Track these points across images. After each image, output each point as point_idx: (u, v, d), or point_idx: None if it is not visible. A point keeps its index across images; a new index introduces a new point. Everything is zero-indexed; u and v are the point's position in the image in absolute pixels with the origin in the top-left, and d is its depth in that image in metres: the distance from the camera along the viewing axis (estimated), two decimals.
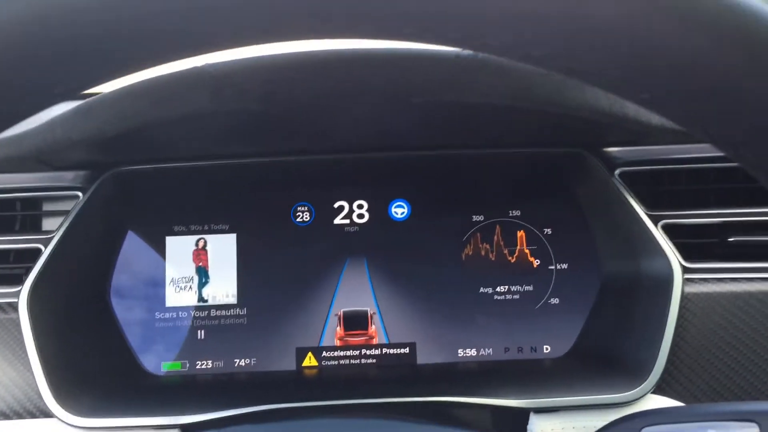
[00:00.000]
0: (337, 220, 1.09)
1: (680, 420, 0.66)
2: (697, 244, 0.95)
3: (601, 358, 1.00)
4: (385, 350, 1.06)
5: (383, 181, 1.09)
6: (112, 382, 0.98)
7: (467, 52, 0.69)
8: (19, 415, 0.90)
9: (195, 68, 0.71)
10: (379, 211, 1.09)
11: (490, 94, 0.74)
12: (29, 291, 0.90)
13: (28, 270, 0.93)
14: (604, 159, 0.99)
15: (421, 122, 0.94)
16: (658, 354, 0.89)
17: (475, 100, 0.75)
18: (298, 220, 1.09)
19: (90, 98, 0.79)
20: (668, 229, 0.94)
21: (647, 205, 0.95)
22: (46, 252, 0.93)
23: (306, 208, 1.09)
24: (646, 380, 0.88)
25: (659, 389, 0.90)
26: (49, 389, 0.87)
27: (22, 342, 0.89)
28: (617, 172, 0.98)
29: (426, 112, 0.88)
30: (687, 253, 0.93)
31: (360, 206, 1.09)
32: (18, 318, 0.90)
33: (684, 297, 0.90)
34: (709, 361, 0.91)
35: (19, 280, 0.92)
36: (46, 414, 0.89)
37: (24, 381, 0.90)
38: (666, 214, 0.95)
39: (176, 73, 0.73)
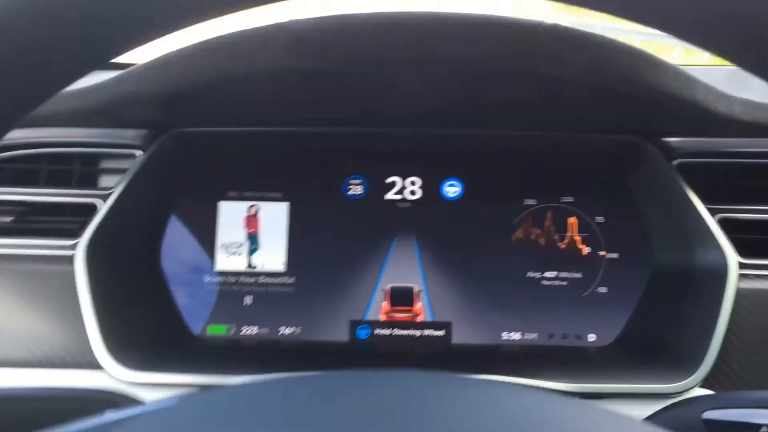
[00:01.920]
0: (389, 196, 1.09)
1: (742, 405, 0.66)
2: (753, 240, 0.94)
3: (648, 349, 0.99)
4: (428, 327, 1.06)
5: (438, 159, 1.09)
6: (159, 341, 0.99)
7: (549, 21, 0.69)
8: (67, 365, 0.91)
9: (276, 24, 0.72)
10: (432, 189, 1.09)
11: (568, 66, 0.73)
12: (86, 245, 0.91)
13: (83, 225, 0.94)
14: (663, 148, 0.98)
15: (483, 100, 0.94)
16: (709, 347, 0.88)
17: (550, 72, 0.75)
18: (350, 193, 1.09)
19: (165, 53, 0.80)
20: (725, 224, 0.93)
21: (705, 198, 0.95)
22: (104, 208, 0.94)
23: (359, 182, 1.09)
24: (695, 372, 0.88)
25: (707, 382, 0.89)
26: (101, 342, 0.88)
27: (76, 294, 0.90)
28: (675, 162, 0.97)
29: (491, 86, 0.87)
30: (743, 248, 0.92)
31: (413, 183, 1.09)
32: (73, 271, 0.91)
33: (738, 292, 0.90)
34: (761, 357, 0.90)
35: (74, 234, 0.93)
36: (95, 366, 0.90)
37: (75, 332, 0.90)
38: (723, 207, 0.94)
39: (256, 28, 0.73)
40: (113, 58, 0.36)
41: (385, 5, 0.69)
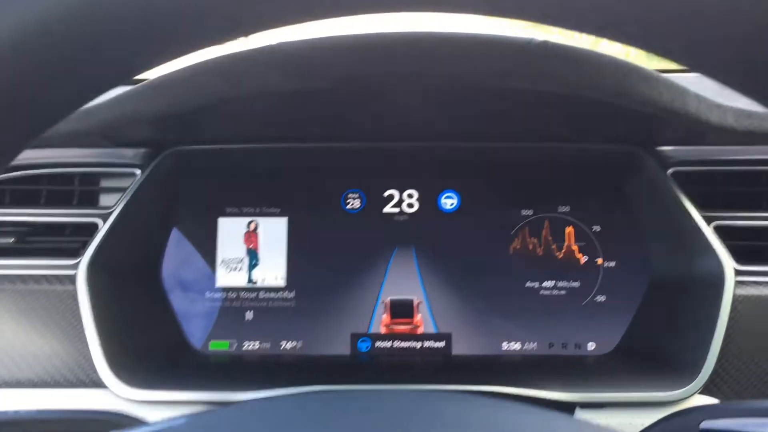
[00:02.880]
0: (387, 209, 1.10)
1: (739, 415, 0.66)
2: (749, 247, 0.94)
3: (647, 357, 1.00)
4: (429, 339, 1.07)
5: (434, 172, 1.10)
6: (162, 358, 1.00)
7: (539, 39, 0.70)
8: (72, 384, 0.92)
9: (268, 46, 0.73)
10: (429, 201, 1.10)
11: (559, 82, 0.74)
12: (87, 264, 0.92)
13: (84, 244, 0.95)
14: (657, 158, 0.99)
15: (477, 114, 0.94)
16: (707, 355, 0.88)
17: (543, 89, 0.76)
18: (348, 206, 1.10)
19: (161, 75, 0.81)
20: (721, 231, 0.94)
21: (700, 205, 0.95)
22: (104, 227, 0.95)
23: (357, 195, 1.10)
24: (694, 380, 0.88)
25: (706, 389, 0.89)
26: (104, 360, 0.89)
27: (78, 313, 0.91)
28: (670, 171, 0.98)
29: (483, 103, 0.88)
30: (739, 255, 0.93)
31: (410, 196, 1.10)
32: (75, 290, 0.91)
33: (735, 299, 0.90)
34: (758, 363, 0.91)
35: (75, 254, 0.94)
36: (98, 384, 0.91)
37: (78, 351, 0.91)
38: (719, 215, 0.95)
39: (249, 50, 0.74)
40: (135, 75, 0.37)
41: (377, 26, 0.70)
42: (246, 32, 0.36)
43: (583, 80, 0.74)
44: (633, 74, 0.76)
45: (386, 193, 1.10)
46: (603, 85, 0.75)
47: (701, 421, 0.67)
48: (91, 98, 0.38)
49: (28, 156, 0.99)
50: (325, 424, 0.34)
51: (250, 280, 1.08)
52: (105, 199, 1.01)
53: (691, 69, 0.36)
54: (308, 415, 0.36)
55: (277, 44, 0.72)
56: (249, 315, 1.07)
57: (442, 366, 1.05)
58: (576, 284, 1.08)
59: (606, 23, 0.33)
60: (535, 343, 1.07)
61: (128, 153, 1.00)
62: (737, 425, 0.65)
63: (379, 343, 1.06)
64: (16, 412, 0.85)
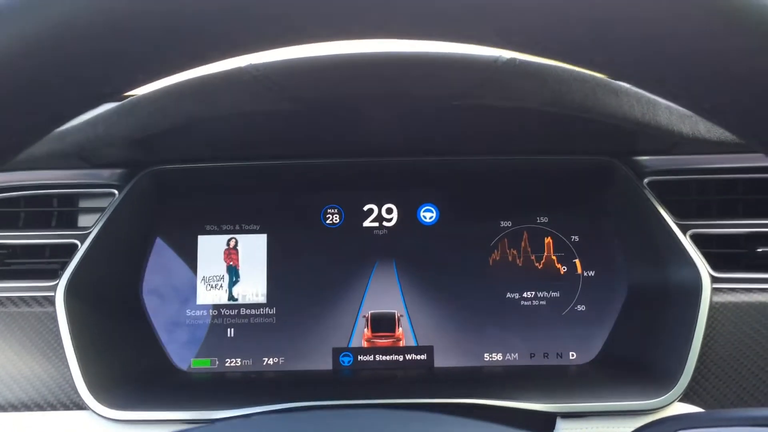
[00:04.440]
0: (367, 223, 1.10)
1: (716, 424, 0.66)
2: (725, 254, 0.95)
3: (628, 366, 1.00)
4: (411, 352, 1.07)
5: (412, 186, 1.10)
6: (143, 377, 0.99)
7: (507, 56, 0.71)
8: (52, 407, 0.92)
9: (237, 68, 0.73)
10: (408, 214, 1.11)
11: (527, 98, 0.75)
12: (66, 285, 0.92)
13: (63, 265, 0.94)
14: (633, 168, 1.00)
15: (453, 128, 0.95)
16: (686, 362, 0.89)
17: (511, 105, 0.76)
18: (327, 222, 1.10)
19: (132, 97, 0.81)
20: (697, 239, 0.95)
21: (676, 214, 0.96)
22: (83, 248, 0.95)
23: (336, 211, 1.10)
24: (673, 388, 0.89)
25: (686, 397, 0.90)
26: (84, 382, 0.89)
27: (58, 335, 0.91)
28: (646, 180, 0.99)
29: (458, 117, 0.89)
30: (715, 263, 0.93)
31: (389, 210, 1.10)
32: (54, 311, 0.91)
33: (712, 306, 0.91)
34: (737, 370, 0.91)
35: (54, 275, 0.94)
36: (80, 406, 0.90)
37: (59, 373, 0.91)
38: (695, 223, 0.96)
39: (218, 72, 0.74)
40: (125, 92, 0.38)
41: (346, 47, 0.70)
42: (229, 55, 0.36)
43: (551, 96, 0.75)
44: (601, 89, 0.76)
45: (365, 208, 1.10)
46: (571, 101, 0.76)
47: (677, 431, 0.67)
48: (64, 122, 0.38)
49: (5, 179, 0.99)
50: None
51: (230, 297, 1.08)
52: (83, 220, 1.01)
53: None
54: None
55: (246, 66, 0.72)
56: (230, 332, 1.07)
57: (424, 379, 1.05)
58: (556, 294, 1.08)
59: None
60: (517, 354, 1.07)
61: (105, 173, 1.00)
62: None
63: (361, 357, 1.07)
64: None
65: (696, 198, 0.99)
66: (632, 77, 0.36)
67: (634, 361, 1.00)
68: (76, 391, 0.89)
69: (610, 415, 0.90)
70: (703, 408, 0.91)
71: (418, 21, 0.33)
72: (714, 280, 0.92)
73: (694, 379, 0.89)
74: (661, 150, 0.98)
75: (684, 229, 0.95)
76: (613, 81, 0.78)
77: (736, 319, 0.91)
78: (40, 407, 0.92)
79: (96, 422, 0.90)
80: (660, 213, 0.96)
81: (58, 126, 0.38)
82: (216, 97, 0.76)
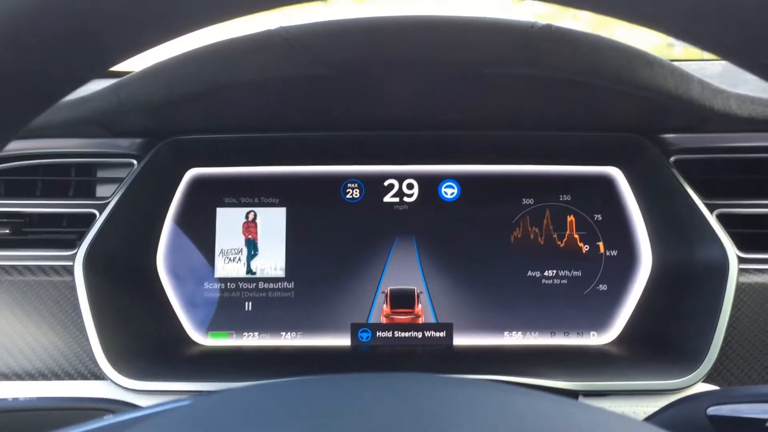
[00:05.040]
0: (387, 198, 1.09)
1: (746, 400, 0.66)
2: (752, 234, 0.94)
3: (650, 345, 0.99)
4: (430, 329, 1.06)
5: (434, 161, 1.09)
6: (161, 348, 0.99)
7: (542, 22, 0.69)
8: (71, 377, 0.92)
9: (267, 31, 0.72)
10: (429, 190, 1.09)
11: (561, 66, 0.73)
12: (84, 255, 0.91)
13: (81, 235, 0.94)
14: (659, 145, 0.98)
15: (477, 102, 0.94)
16: (711, 343, 0.88)
17: (545, 73, 0.75)
18: (347, 196, 1.09)
19: (156, 62, 0.80)
20: (723, 219, 0.93)
21: (702, 193, 0.95)
22: (101, 218, 0.94)
23: (356, 185, 1.09)
24: (698, 368, 0.88)
25: (710, 377, 0.89)
26: (102, 351, 0.88)
27: (77, 304, 0.90)
28: (672, 159, 0.97)
29: (483, 90, 0.88)
30: (742, 243, 0.92)
31: (410, 186, 1.09)
32: (73, 281, 0.91)
33: (738, 287, 0.90)
34: (761, 351, 0.91)
35: (72, 245, 0.94)
36: (97, 376, 0.90)
37: (77, 343, 0.91)
38: (721, 203, 0.94)
39: (247, 35, 0.73)
40: (123, 60, 0.37)
41: (377, 10, 0.69)
42: (231, 17, 0.35)
43: (586, 65, 0.73)
44: (636, 59, 0.75)
45: (386, 183, 1.09)
46: (606, 70, 0.74)
47: (708, 407, 0.66)
48: (76, 87, 0.37)
49: (23, 146, 0.98)
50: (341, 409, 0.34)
51: (249, 271, 1.07)
52: (101, 190, 1.00)
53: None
54: (303, 401, 0.35)
55: (276, 29, 0.71)
56: (248, 305, 1.06)
57: (443, 356, 1.04)
58: (578, 273, 1.07)
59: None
60: (537, 333, 1.06)
61: (124, 143, 0.99)
62: (745, 410, 0.65)
63: (379, 333, 1.06)
64: (15, 401, 0.84)
65: (723, 177, 0.98)
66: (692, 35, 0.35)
67: (656, 340, 0.99)
68: (95, 361, 0.89)
69: (632, 394, 0.89)
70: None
71: None
72: (741, 260, 0.91)
73: (719, 359, 0.88)
74: (689, 127, 0.96)
75: (711, 209, 0.94)
76: (647, 52, 0.76)
77: (763, 300, 0.90)
78: (58, 377, 0.91)
79: (114, 392, 0.90)
80: (687, 192, 0.94)
81: (70, 91, 0.37)
82: (244, 61, 0.74)
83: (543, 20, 0.69)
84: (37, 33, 0.31)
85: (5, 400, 0.86)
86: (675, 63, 0.79)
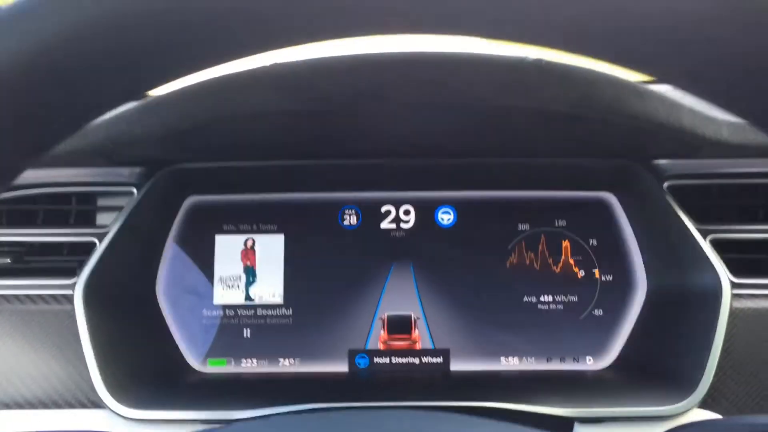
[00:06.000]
0: (384, 225, 1.10)
1: (737, 431, 0.66)
2: (745, 260, 0.94)
3: (646, 371, 1.00)
4: (427, 354, 1.06)
5: (430, 187, 1.10)
6: (160, 376, 0.99)
7: (532, 56, 0.70)
8: (70, 405, 0.92)
9: (261, 67, 0.73)
10: (426, 216, 1.10)
11: (552, 100, 0.74)
12: (84, 283, 0.92)
13: (81, 263, 0.94)
14: (653, 171, 0.99)
15: (473, 129, 0.95)
16: (705, 368, 0.88)
17: (536, 106, 0.76)
18: (345, 223, 1.10)
19: (157, 95, 0.81)
20: (717, 244, 0.94)
21: (696, 218, 0.95)
22: (101, 246, 0.95)
23: (353, 212, 1.10)
24: (692, 394, 0.88)
25: (705, 404, 0.89)
26: (102, 380, 0.89)
27: (76, 333, 0.90)
28: (666, 184, 0.98)
29: (478, 118, 0.89)
30: (735, 268, 0.93)
31: (407, 212, 1.10)
32: (72, 309, 0.91)
33: (732, 312, 0.90)
34: (756, 376, 0.91)
35: (72, 273, 0.94)
36: (96, 404, 0.90)
37: (76, 371, 0.91)
38: (715, 228, 0.95)
39: (242, 71, 0.74)
40: (149, 90, 0.37)
41: (372, 46, 0.70)
42: (258, 51, 0.36)
43: (577, 97, 0.75)
44: (626, 90, 0.76)
45: (383, 209, 1.10)
46: (597, 102, 0.75)
47: None
48: (94, 118, 0.38)
49: (24, 176, 0.98)
50: None
51: (247, 298, 1.08)
52: (102, 218, 1.01)
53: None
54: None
55: (272, 65, 0.72)
56: (246, 332, 1.07)
57: (440, 382, 1.04)
58: (574, 298, 1.08)
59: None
60: (534, 358, 1.07)
61: (124, 172, 1.00)
62: None
63: (377, 360, 1.06)
64: None
65: (717, 203, 0.99)
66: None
67: (652, 366, 0.99)
68: (94, 390, 0.89)
69: (628, 421, 0.89)
70: (721, 415, 0.90)
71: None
72: (734, 285, 0.91)
73: (713, 385, 0.88)
74: (681, 153, 0.97)
75: (704, 234, 0.94)
76: (638, 83, 0.78)
77: (756, 326, 0.91)
78: (57, 405, 0.92)
79: (113, 421, 0.90)
80: (680, 217, 0.95)
81: (89, 122, 0.38)
82: (241, 96, 0.76)
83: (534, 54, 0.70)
84: (73, 61, 0.32)
85: None
86: (666, 91, 0.80)
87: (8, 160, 0.36)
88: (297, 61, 0.72)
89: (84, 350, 0.90)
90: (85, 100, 0.35)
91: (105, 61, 0.33)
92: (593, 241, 1.09)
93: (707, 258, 0.93)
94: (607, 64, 0.37)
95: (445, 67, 0.72)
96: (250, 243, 1.09)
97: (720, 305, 0.90)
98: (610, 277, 1.08)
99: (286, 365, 1.06)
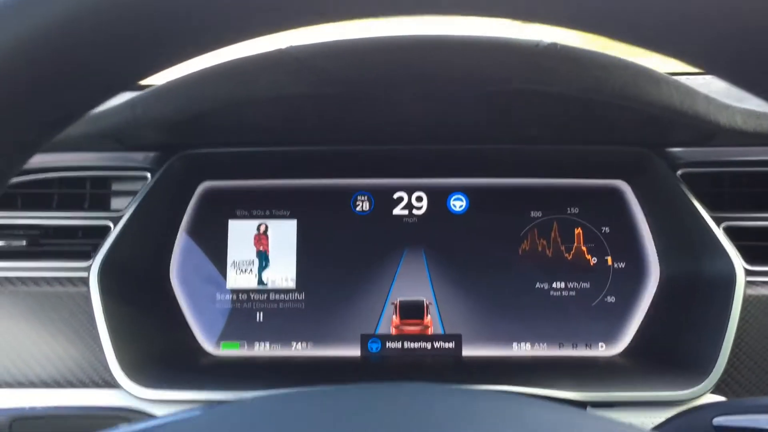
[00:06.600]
0: (396, 211, 1.10)
1: (752, 411, 0.66)
2: (759, 247, 0.94)
3: (658, 357, 1.00)
4: (439, 340, 1.07)
5: (443, 174, 1.10)
6: (173, 358, 1.00)
7: (547, 41, 0.70)
8: (85, 385, 0.93)
9: (277, 50, 0.73)
10: (438, 203, 1.10)
11: (566, 84, 0.74)
12: (99, 266, 0.93)
13: (96, 246, 0.95)
14: (667, 159, 0.99)
15: (485, 116, 0.95)
16: (719, 354, 0.88)
17: (550, 91, 0.76)
18: (357, 209, 1.10)
19: (172, 79, 0.82)
20: (731, 232, 0.94)
21: (710, 206, 0.95)
22: (116, 230, 0.96)
23: (366, 198, 1.10)
24: (705, 379, 0.88)
25: (717, 389, 0.89)
26: (117, 361, 0.90)
27: (91, 315, 0.91)
28: (680, 172, 0.98)
29: (491, 105, 0.89)
30: (749, 255, 0.93)
31: (419, 198, 1.10)
32: (88, 292, 0.92)
33: (746, 299, 0.90)
34: None
35: (86, 256, 0.95)
36: (111, 384, 0.91)
37: (91, 352, 0.92)
38: (729, 216, 0.95)
39: (258, 54, 0.75)
40: (147, 77, 0.38)
41: (385, 30, 0.70)
42: (261, 34, 0.36)
43: (592, 82, 0.74)
44: (642, 76, 0.76)
45: (395, 195, 1.11)
46: (611, 87, 0.75)
47: (714, 418, 0.66)
48: (103, 101, 0.38)
49: (39, 160, 1.00)
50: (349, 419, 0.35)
51: (260, 282, 1.08)
52: (116, 203, 1.01)
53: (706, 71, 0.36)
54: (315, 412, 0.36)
55: (287, 48, 0.72)
56: (259, 316, 1.08)
57: (452, 367, 1.05)
58: (586, 285, 1.08)
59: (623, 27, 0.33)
60: (546, 344, 1.07)
61: (139, 156, 1.01)
62: (750, 422, 0.65)
63: (389, 344, 1.07)
64: (30, 409, 0.86)
65: (730, 190, 0.99)
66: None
67: (665, 352, 0.99)
68: (109, 370, 0.90)
69: (641, 405, 0.90)
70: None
71: None
72: (748, 273, 0.91)
73: (726, 371, 0.88)
74: (695, 141, 0.97)
75: (718, 222, 0.94)
76: (652, 69, 0.77)
77: None
78: (73, 385, 0.93)
79: (127, 401, 0.91)
80: (694, 205, 0.95)
81: (97, 106, 0.38)
82: (255, 79, 0.76)
83: (549, 38, 0.70)
84: (75, 43, 0.32)
85: (23, 408, 0.88)
86: (681, 78, 0.80)
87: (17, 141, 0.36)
88: (312, 45, 0.72)
89: (99, 331, 0.91)
90: (88, 85, 0.35)
91: (102, 44, 0.33)
92: (606, 229, 1.09)
93: (721, 245, 0.92)
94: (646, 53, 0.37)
95: (457, 50, 0.72)
96: (263, 228, 1.09)
97: (734, 292, 0.90)
98: (622, 265, 1.08)
99: (299, 349, 1.07)
